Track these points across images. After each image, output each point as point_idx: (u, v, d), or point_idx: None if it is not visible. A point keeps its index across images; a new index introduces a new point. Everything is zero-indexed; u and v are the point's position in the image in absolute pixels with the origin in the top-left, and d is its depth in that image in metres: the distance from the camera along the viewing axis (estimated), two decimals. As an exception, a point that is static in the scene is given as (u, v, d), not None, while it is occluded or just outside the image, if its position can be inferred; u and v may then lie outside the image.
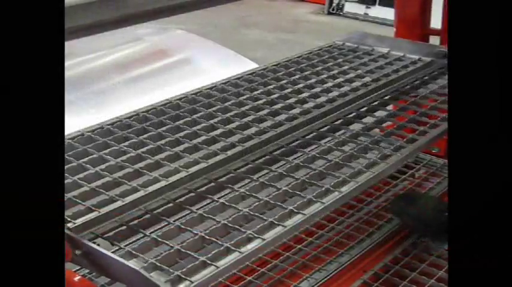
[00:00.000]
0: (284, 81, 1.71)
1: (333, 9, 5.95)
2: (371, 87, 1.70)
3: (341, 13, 5.81)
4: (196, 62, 2.72)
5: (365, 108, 1.59)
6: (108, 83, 2.54)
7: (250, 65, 2.36)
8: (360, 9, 5.68)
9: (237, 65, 2.49)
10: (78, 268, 1.43)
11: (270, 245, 1.10)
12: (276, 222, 1.12)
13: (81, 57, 3.03)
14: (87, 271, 1.49)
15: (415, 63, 1.89)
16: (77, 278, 1.11)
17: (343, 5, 5.82)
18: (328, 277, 1.59)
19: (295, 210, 1.16)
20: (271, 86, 1.67)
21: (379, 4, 5.52)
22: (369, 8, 5.66)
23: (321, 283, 1.57)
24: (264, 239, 1.08)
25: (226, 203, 1.19)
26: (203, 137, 1.41)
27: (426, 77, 1.81)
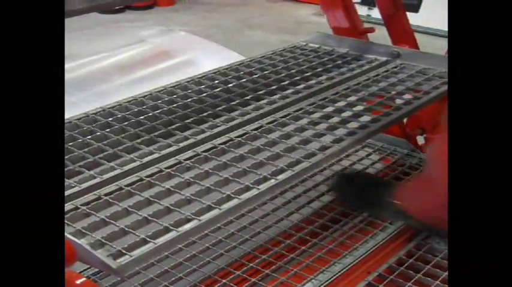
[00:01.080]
0: (244, 80, 1.85)
1: (335, 11, 6.01)
2: (324, 85, 1.84)
3: (343, 15, 5.90)
4: (200, 63, 2.79)
5: (315, 104, 1.72)
6: (111, 85, 2.60)
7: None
8: (362, 10, 5.70)
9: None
10: (82, 269, 1.58)
11: (206, 226, 1.25)
12: (213, 205, 1.27)
13: (84, 59, 3.12)
14: (92, 272, 1.61)
15: (371, 62, 2.03)
16: (81, 280, 1.15)
17: (345, 7, 5.92)
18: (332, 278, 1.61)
19: (232, 195, 1.30)
20: (231, 84, 1.81)
21: (382, 6, 5.62)
22: (371, 9, 5.70)
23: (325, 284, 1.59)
24: (200, 220, 1.22)
25: (172, 189, 1.33)
26: (161, 131, 1.56)
27: (379, 76, 1.94)
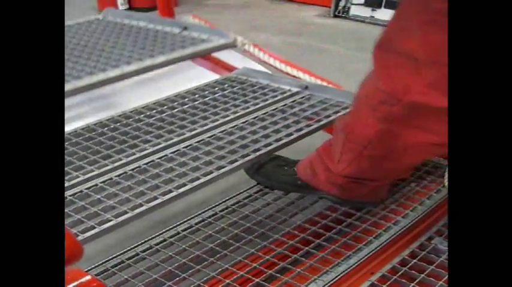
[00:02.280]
0: (176, 110, 2.39)
1: (339, 12, 5.90)
2: (239, 114, 2.37)
3: (347, 16, 5.87)
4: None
5: (225, 131, 2.26)
6: (115, 86, 2.68)
7: (256, 67, 2.76)
8: (365, 12, 5.73)
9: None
10: (88, 268, 1.72)
11: (120, 225, 1.78)
12: (127, 210, 1.81)
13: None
14: (96, 272, 1.71)
15: (284, 93, 2.55)
16: (87, 278, 1.17)
17: (349, 8, 5.86)
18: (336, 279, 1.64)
19: (143, 203, 1.84)
20: (164, 114, 2.36)
21: (385, 7, 5.60)
22: (375, 10, 5.68)
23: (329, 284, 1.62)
24: (116, 221, 1.77)
25: (102, 198, 1.87)
26: (102, 153, 2.11)
27: (286, 105, 2.46)
